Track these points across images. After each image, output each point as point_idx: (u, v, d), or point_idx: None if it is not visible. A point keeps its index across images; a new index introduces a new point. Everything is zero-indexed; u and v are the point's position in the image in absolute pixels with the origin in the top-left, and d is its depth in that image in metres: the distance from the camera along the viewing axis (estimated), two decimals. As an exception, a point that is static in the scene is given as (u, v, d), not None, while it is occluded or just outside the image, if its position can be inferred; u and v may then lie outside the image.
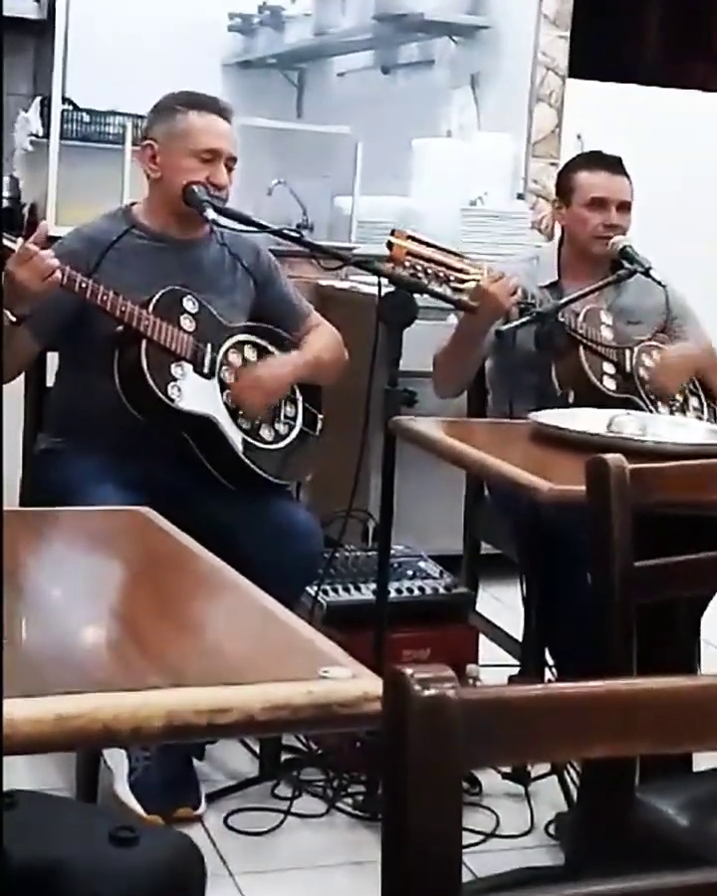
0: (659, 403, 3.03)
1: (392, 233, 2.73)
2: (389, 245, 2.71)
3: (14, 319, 2.46)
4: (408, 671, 0.86)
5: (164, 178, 2.73)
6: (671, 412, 3.04)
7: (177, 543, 1.72)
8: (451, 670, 0.88)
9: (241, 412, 2.73)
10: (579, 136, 4.74)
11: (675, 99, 5.03)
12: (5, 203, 4.67)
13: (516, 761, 2.29)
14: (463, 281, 2.76)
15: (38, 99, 4.76)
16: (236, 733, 1.89)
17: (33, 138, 4.68)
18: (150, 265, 2.72)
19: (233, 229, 2.76)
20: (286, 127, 5.18)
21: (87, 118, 4.80)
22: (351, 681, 1.18)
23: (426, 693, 0.86)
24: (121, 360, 2.60)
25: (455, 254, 2.76)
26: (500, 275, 2.80)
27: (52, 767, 2.62)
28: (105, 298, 2.54)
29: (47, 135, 4.65)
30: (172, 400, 2.59)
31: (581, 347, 2.96)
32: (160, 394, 2.58)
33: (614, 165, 3.11)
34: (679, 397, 3.09)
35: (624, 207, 3.09)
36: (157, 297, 2.63)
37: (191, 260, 2.78)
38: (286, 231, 2.84)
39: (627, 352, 3.03)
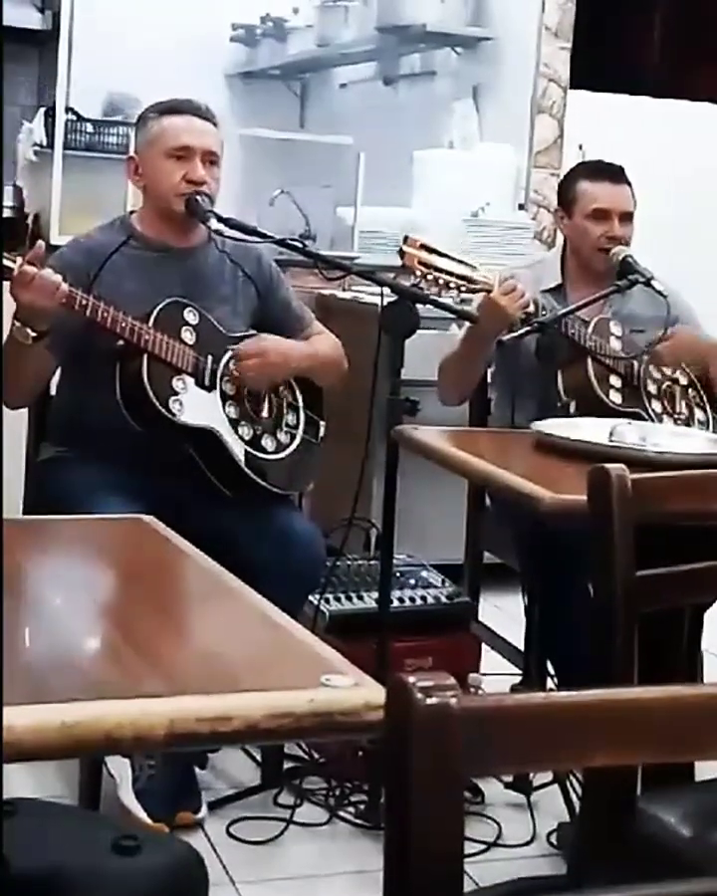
0: (665, 416, 3.03)
1: (405, 241, 2.73)
2: (402, 253, 2.71)
3: (35, 334, 2.47)
4: (411, 680, 0.86)
5: (149, 186, 2.76)
6: (676, 424, 3.03)
7: (179, 551, 1.72)
8: (453, 679, 0.88)
9: (242, 422, 2.73)
10: (580, 147, 4.75)
11: (677, 109, 5.04)
12: (8, 213, 4.68)
13: (518, 769, 2.29)
14: (474, 291, 2.76)
15: (42, 109, 4.77)
16: (238, 741, 1.89)
17: (37, 148, 4.69)
18: (149, 275, 2.73)
19: (236, 239, 2.76)
20: (288, 138, 5.19)
21: (90, 128, 4.81)
22: (353, 689, 1.19)
23: (429, 702, 0.86)
24: (123, 375, 2.60)
25: (466, 263, 2.76)
26: (512, 287, 2.79)
27: (54, 774, 2.62)
28: (105, 314, 2.54)
29: (51, 145, 4.66)
30: (174, 415, 2.60)
31: (588, 359, 2.95)
32: (162, 409, 2.58)
33: (616, 175, 3.10)
34: (685, 411, 3.09)
35: (627, 217, 3.08)
36: (158, 310, 2.63)
37: (190, 268, 2.79)
38: (288, 241, 2.85)
39: (635, 364, 3.03)
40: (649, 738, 0.96)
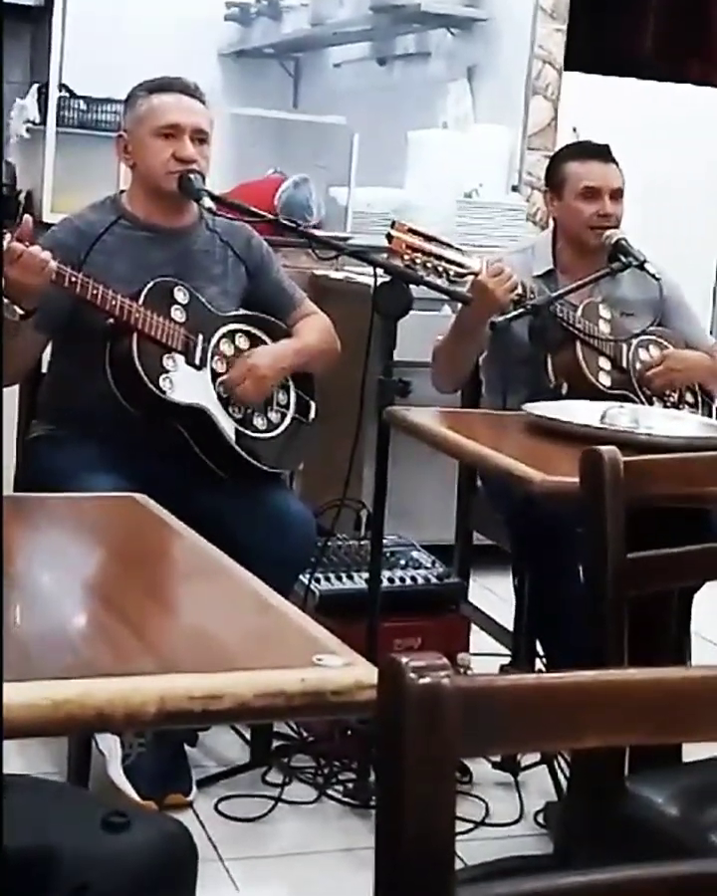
0: (655, 399, 3.03)
1: (393, 225, 2.72)
2: (389, 237, 2.70)
3: (22, 312, 2.45)
4: (404, 660, 0.86)
5: (138, 165, 2.74)
6: (665, 407, 3.03)
7: (170, 529, 1.72)
8: (445, 659, 0.88)
9: (233, 401, 2.73)
10: (574, 129, 4.74)
11: (671, 92, 5.03)
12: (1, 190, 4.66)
13: (509, 750, 2.30)
14: (462, 275, 2.76)
15: (35, 86, 4.75)
16: (229, 719, 1.90)
17: (29, 125, 4.68)
18: (140, 255, 2.72)
19: (229, 218, 2.75)
20: (282, 117, 5.17)
21: (83, 106, 4.79)
22: (344, 669, 1.19)
23: (421, 681, 0.86)
24: (113, 353, 2.60)
25: (455, 248, 2.76)
26: (499, 270, 2.78)
27: (43, 751, 2.62)
28: (94, 292, 2.53)
29: (43, 123, 4.64)
30: (164, 392, 2.59)
31: (577, 342, 2.95)
32: (152, 387, 2.58)
33: (604, 154, 3.09)
34: (675, 394, 3.09)
35: (617, 195, 3.08)
36: (148, 288, 2.63)
37: (180, 248, 2.78)
38: (281, 221, 2.84)
39: (624, 347, 3.03)
40: (639, 719, 0.97)
